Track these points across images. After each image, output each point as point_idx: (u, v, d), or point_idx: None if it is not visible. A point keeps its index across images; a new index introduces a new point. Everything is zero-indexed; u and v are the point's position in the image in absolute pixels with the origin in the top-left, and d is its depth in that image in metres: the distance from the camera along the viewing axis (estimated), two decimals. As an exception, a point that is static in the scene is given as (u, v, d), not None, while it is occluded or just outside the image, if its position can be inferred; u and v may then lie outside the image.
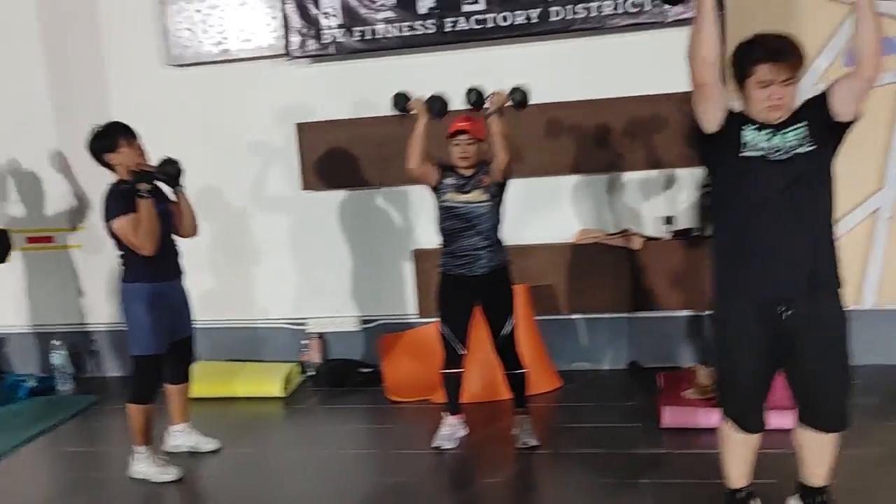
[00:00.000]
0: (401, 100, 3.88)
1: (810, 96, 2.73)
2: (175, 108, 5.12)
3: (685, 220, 4.71)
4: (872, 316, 4.54)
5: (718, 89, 2.63)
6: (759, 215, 2.64)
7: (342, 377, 5.02)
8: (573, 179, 4.78)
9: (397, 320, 5.12)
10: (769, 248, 2.63)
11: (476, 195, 3.79)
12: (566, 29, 4.52)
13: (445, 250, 3.89)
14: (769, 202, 2.63)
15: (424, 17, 4.64)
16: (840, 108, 2.62)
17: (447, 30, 4.62)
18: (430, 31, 4.65)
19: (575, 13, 4.49)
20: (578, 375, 4.88)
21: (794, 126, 2.64)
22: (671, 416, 3.95)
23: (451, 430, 4.00)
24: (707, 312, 4.62)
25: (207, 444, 4.06)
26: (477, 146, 3.76)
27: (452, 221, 3.82)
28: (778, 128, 2.64)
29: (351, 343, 5.23)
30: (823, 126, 2.63)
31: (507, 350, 3.89)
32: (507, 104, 3.75)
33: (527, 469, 3.78)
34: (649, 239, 4.69)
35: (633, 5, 4.44)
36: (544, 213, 4.84)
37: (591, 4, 4.47)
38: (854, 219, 4.40)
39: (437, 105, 3.82)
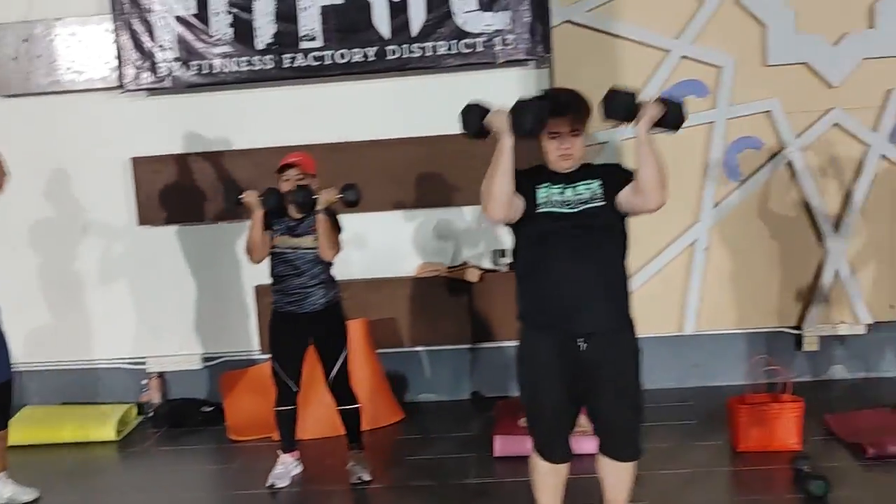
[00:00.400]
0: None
1: (616, 164, 2.93)
2: (3, 139, 4.90)
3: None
4: (693, 341, 4.83)
5: (506, 213, 2.73)
6: (553, 260, 2.77)
7: (182, 417, 4.88)
8: (413, 214, 4.87)
9: (241, 357, 5.04)
10: (563, 290, 2.76)
11: (308, 241, 3.79)
12: (402, 67, 4.63)
13: (274, 288, 3.88)
14: (561, 249, 2.76)
15: (262, 52, 4.64)
16: (622, 204, 2.78)
17: (285, 66, 4.64)
18: (268, 67, 4.65)
19: (411, 52, 4.61)
20: (423, 407, 4.94)
21: (588, 181, 2.79)
22: (502, 446, 4.06)
23: (284, 468, 3.96)
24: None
25: (25, 495, 3.84)
26: (308, 181, 3.77)
27: (281, 267, 3.83)
28: (571, 181, 2.79)
29: (193, 382, 5.10)
30: (616, 190, 2.78)
31: (339, 386, 3.90)
32: (336, 201, 3.76)
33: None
34: (486, 271, 4.82)
35: (466, 46, 4.60)
36: (386, 247, 4.91)
37: (427, 44, 4.60)
38: (674, 251, 4.68)
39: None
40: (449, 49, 4.60)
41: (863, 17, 4.49)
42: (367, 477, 3.88)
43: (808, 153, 4.59)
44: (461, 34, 4.58)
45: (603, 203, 2.77)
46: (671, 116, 2.77)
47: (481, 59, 4.60)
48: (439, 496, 3.71)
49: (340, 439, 4.33)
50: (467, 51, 4.60)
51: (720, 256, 4.70)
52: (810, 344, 4.82)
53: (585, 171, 2.81)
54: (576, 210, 2.76)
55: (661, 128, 2.77)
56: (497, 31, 4.58)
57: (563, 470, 2.99)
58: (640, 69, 4.58)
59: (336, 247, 3.76)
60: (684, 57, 4.56)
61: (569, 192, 2.78)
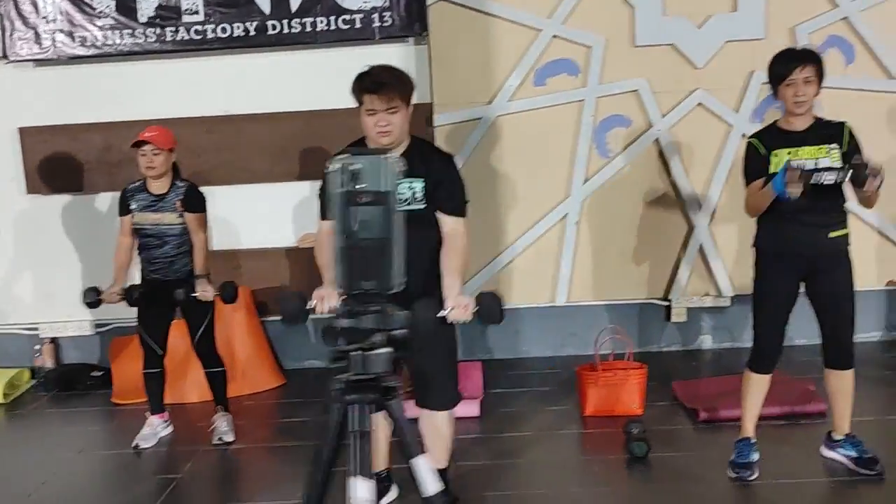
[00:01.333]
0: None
1: (446, 168, 2.98)
2: None
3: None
4: (569, 311, 5.02)
5: None
6: None
7: (72, 381, 5.03)
8: (295, 185, 5.00)
9: (131, 323, 5.16)
10: None
11: (170, 217, 3.93)
12: (282, 42, 4.74)
13: (141, 257, 4.02)
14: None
15: (145, 25, 4.73)
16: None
17: (168, 39, 4.74)
18: (151, 40, 4.74)
19: (291, 27, 4.71)
20: (307, 373, 5.12)
21: (411, 179, 2.87)
22: (366, 409, 4.24)
23: (151, 430, 4.12)
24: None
25: None
26: (165, 156, 3.89)
27: (145, 239, 3.97)
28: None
29: (87, 347, 5.24)
30: (437, 205, 2.91)
31: (203, 349, 4.06)
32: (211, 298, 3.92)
33: (214, 463, 3.96)
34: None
35: (345, 22, 4.71)
36: (271, 217, 5.04)
37: (306, 20, 4.71)
38: (546, 224, 4.85)
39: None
40: (328, 25, 4.71)
41: (726, 1, 4.65)
42: (229, 437, 4.06)
43: (674, 132, 4.77)
44: (339, 10, 4.69)
45: (424, 206, 2.88)
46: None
47: (359, 35, 4.72)
48: (294, 455, 3.89)
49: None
50: (345, 27, 4.71)
51: (591, 230, 4.88)
52: (678, 315, 5.04)
53: (413, 168, 2.83)
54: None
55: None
56: (374, 7, 4.70)
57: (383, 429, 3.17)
58: (514, 48, 4.71)
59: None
60: (556, 36, 4.69)
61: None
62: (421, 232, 2.87)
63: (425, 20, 4.68)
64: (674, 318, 5.03)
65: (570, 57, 4.73)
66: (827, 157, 3.25)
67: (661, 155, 4.79)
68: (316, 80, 4.78)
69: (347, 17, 4.70)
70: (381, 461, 3.24)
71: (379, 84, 2.87)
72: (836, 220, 3.30)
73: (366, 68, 2.96)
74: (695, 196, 4.81)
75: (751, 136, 3.38)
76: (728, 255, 4.86)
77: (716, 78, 4.68)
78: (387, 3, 4.68)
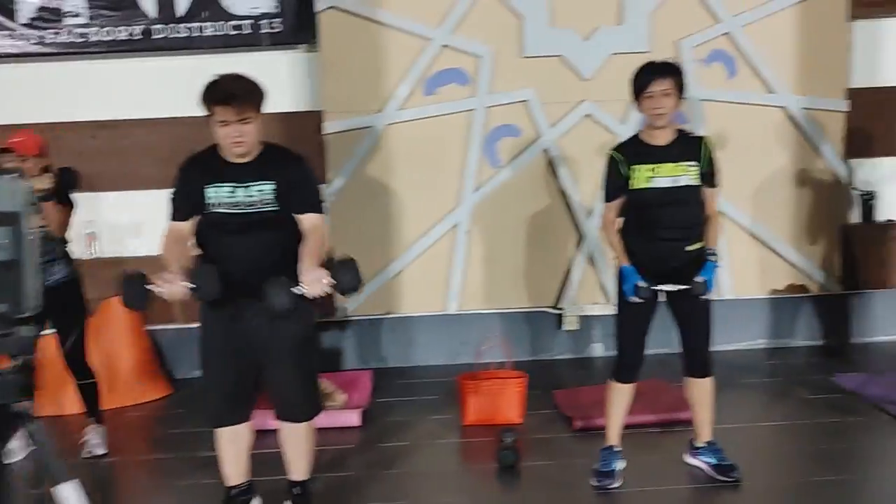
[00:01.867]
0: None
1: (298, 169, 2.96)
2: None
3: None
4: (458, 320, 5.03)
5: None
6: (226, 253, 2.90)
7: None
8: (183, 193, 4.92)
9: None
10: (238, 283, 2.85)
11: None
12: (168, 47, 4.66)
13: None
14: (233, 247, 2.89)
15: (25, 27, 4.61)
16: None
17: (48, 41, 4.62)
18: (32, 42, 4.63)
19: (177, 32, 4.64)
20: (195, 383, 5.04)
21: (260, 182, 2.88)
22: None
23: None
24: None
25: None
26: (32, 162, 3.78)
27: None
28: (242, 182, 2.89)
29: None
30: (292, 208, 2.91)
31: (73, 361, 3.95)
32: None
33: (82, 477, 3.79)
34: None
35: (233, 28, 4.66)
36: (158, 224, 4.93)
37: (193, 25, 4.65)
38: (437, 233, 4.86)
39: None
40: (215, 30, 4.65)
41: (612, 14, 4.73)
42: (100, 451, 3.96)
43: (563, 142, 4.83)
44: (227, 16, 4.64)
45: (276, 208, 2.87)
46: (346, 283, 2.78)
47: (247, 41, 4.67)
48: (167, 468, 3.82)
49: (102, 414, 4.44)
50: (234, 33, 4.66)
51: (482, 239, 4.90)
52: (570, 323, 5.09)
53: (259, 174, 2.88)
54: (247, 212, 2.87)
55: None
56: (263, 14, 4.66)
57: (242, 440, 3.12)
58: (404, 56, 4.72)
59: (66, 227, 3.81)
60: (445, 46, 4.72)
61: (240, 195, 2.88)
62: (272, 233, 2.91)
63: (315, 28, 4.65)
64: (565, 327, 5.08)
65: (460, 66, 4.75)
66: (685, 174, 3.31)
67: (551, 165, 4.85)
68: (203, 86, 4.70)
69: (235, 22, 4.65)
70: (240, 473, 3.20)
71: (230, 95, 2.85)
72: (693, 235, 3.36)
73: (215, 77, 2.94)
74: (583, 205, 4.88)
75: (613, 149, 3.43)
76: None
77: (603, 89, 4.75)
78: (276, 10, 4.64)
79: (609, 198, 3.39)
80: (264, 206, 2.88)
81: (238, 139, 2.85)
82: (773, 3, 4.72)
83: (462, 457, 3.92)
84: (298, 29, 4.67)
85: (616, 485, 3.42)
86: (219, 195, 2.89)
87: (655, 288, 3.31)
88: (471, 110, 4.77)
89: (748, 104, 4.82)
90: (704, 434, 3.54)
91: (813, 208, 4.93)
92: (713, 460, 3.49)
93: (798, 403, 4.32)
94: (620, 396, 3.49)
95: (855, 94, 4.85)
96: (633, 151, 3.36)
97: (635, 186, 3.32)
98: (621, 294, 3.45)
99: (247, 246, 2.90)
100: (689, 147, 3.34)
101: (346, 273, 2.75)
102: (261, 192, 2.89)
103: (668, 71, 3.33)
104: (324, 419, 4.18)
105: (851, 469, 3.61)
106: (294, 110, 4.79)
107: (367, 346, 5.07)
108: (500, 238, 4.90)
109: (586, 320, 5.11)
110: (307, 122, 4.75)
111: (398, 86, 4.72)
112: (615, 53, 4.71)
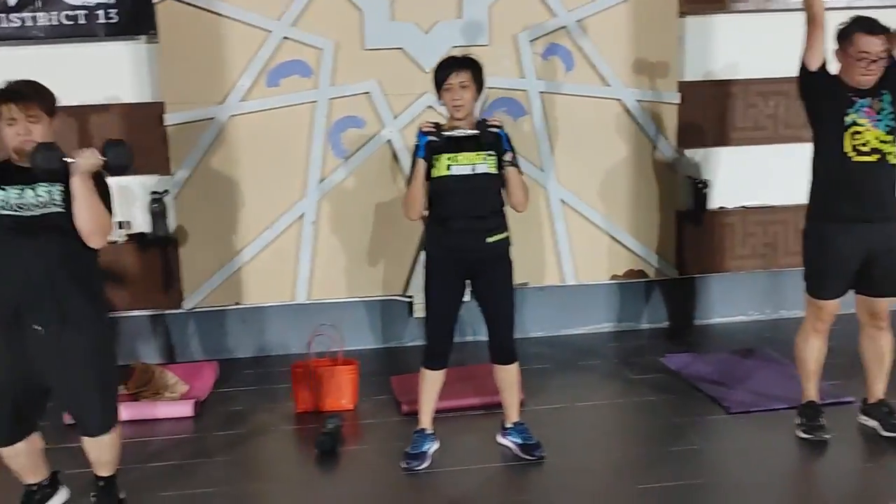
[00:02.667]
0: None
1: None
2: None
3: (142, 225, 4.96)
4: (309, 308, 5.08)
5: None
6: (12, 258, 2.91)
7: None
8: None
9: None
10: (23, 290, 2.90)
11: None
12: (2, 37, 4.57)
13: None
14: (19, 251, 2.89)
15: None
16: None
17: None
18: None
19: (9, 21, 4.56)
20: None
21: (48, 184, 2.89)
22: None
23: None
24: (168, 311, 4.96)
25: None
26: None
27: None
28: (28, 183, 2.90)
29: None
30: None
31: None
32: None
33: None
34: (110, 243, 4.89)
35: (68, 18, 4.60)
36: None
37: (26, 14, 4.57)
38: (282, 224, 4.89)
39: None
40: (49, 20, 4.58)
41: (452, 8, 4.82)
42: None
43: (407, 133, 4.91)
44: (62, 5, 4.56)
45: (62, 210, 2.89)
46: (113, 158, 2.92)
47: (83, 32, 4.60)
48: None
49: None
50: (68, 23, 4.60)
51: (330, 229, 4.95)
52: (419, 311, 5.20)
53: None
54: (35, 214, 2.88)
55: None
56: (99, 3, 4.60)
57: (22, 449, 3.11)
58: (245, 48, 4.72)
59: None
60: (286, 38, 4.74)
61: (28, 196, 2.89)
62: (57, 235, 2.91)
63: (153, 18, 4.62)
64: (416, 314, 5.19)
65: (302, 58, 4.79)
66: (484, 162, 3.44)
67: (395, 155, 4.93)
68: (38, 77, 4.62)
69: (70, 12, 4.58)
70: (37, 473, 3.21)
71: (16, 93, 2.94)
72: (493, 226, 3.49)
73: (2, 84, 2.97)
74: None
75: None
76: (463, 253, 5.07)
77: (444, 82, 4.85)
78: (112, 0, 4.59)
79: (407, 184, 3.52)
80: (52, 207, 2.89)
81: (26, 138, 2.88)
82: (607, -2, 4.90)
83: (287, 444, 3.99)
84: (135, 20, 4.63)
85: (423, 466, 3.54)
86: (7, 196, 2.89)
87: (447, 133, 3.41)
88: (314, 102, 4.81)
89: (586, 97, 4.98)
90: (512, 415, 3.70)
91: (650, 197, 5.13)
92: (519, 440, 3.65)
93: (623, 384, 4.52)
94: (430, 383, 3.62)
95: (687, 87, 5.06)
96: (435, 143, 3.48)
97: (436, 174, 3.44)
98: (427, 284, 3.56)
99: (34, 250, 2.90)
100: (488, 138, 3.47)
101: (115, 150, 2.93)
102: (49, 193, 2.90)
103: (466, 64, 3.47)
104: (157, 410, 4.25)
105: (652, 443, 3.83)
106: (135, 101, 4.75)
107: (215, 338, 5.07)
108: (347, 227, 4.96)
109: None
110: (148, 114, 4.72)
111: (240, 77, 4.72)
112: (455, 46, 4.80)
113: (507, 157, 3.44)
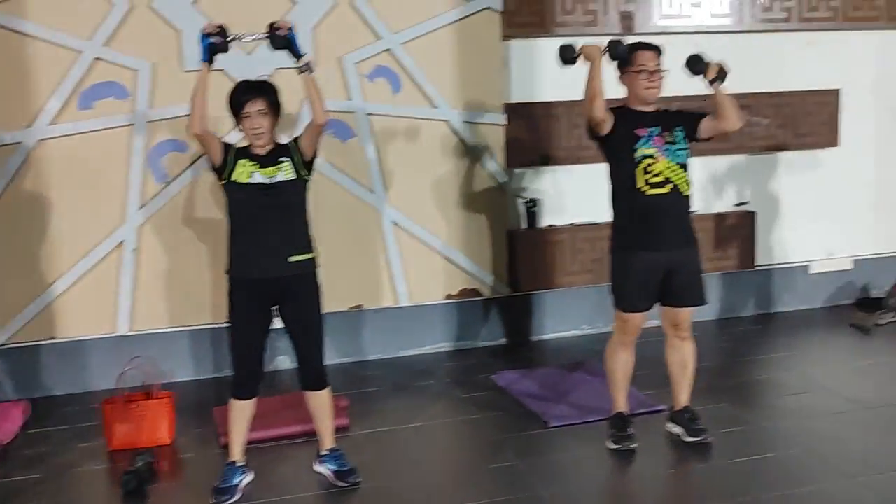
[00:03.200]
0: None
1: None
2: None
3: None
4: (135, 340, 4.86)
5: None
6: None
7: None
8: None
9: None
10: None
11: None
12: None
13: None
14: None
15: None
16: None
17: None
18: None
19: None
20: None
21: None
22: None
23: None
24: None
25: None
26: None
27: None
28: None
29: None
30: None
31: None
32: None
33: None
34: None
35: None
36: None
37: None
38: (102, 251, 4.68)
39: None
40: None
41: (275, 30, 4.78)
42: None
43: (232, 156, 4.81)
44: None
45: None
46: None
47: None
48: None
49: None
50: None
51: (153, 256, 4.77)
52: (253, 337, 5.09)
53: None
54: None
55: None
56: None
57: None
58: (53, 69, 4.50)
59: None
60: (98, 59, 4.56)
61: None
62: None
63: (-52, 37, 4.36)
64: (248, 341, 5.07)
65: (118, 80, 4.61)
66: (280, 172, 3.40)
67: (220, 179, 4.82)
68: None
69: None
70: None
71: None
72: (297, 245, 3.45)
73: None
74: (257, 220, 4.88)
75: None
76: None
77: (269, 103, 4.79)
78: None
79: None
80: None
81: None
82: (430, 22, 4.94)
83: (93, 486, 3.77)
84: (-68, 39, 4.36)
85: (233, 500, 3.43)
86: None
87: (232, 37, 3.46)
88: (130, 125, 4.64)
89: (414, 118, 5.03)
90: (327, 442, 3.63)
91: (481, 216, 5.21)
92: (334, 466, 3.59)
93: (452, 403, 4.54)
94: (240, 412, 3.52)
95: (513, 109, 5.18)
96: (242, 153, 3.45)
97: (234, 179, 3.37)
98: (230, 310, 3.47)
99: None
100: (283, 152, 3.46)
101: None
102: None
103: (262, 90, 3.42)
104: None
105: (471, 462, 3.86)
106: (-64, 125, 4.46)
107: (28, 375, 4.77)
108: (172, 255, 4.78)
109: (270, 334, 5.11)
110: None
111: (48, 100, 4.51)
112: (279, 68, 4.75)
113: (305, 59, 3.43)
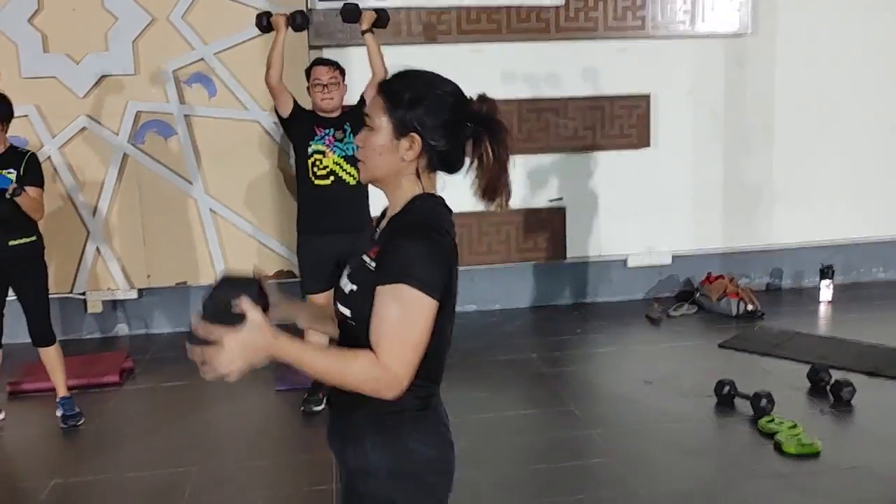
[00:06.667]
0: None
1: None
2: None
3: None
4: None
5: None
6: None
7: None
8: None
9: None
10: None
11: None
12: None
13: None
14: None
15: None
16: None
17: None
18: None
19: None
20: None
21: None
22: None
23: None
24: None
25: None
26: None
27: None
28: None
29: None
30: None
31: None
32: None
33: None
34: None
35: None
36: None
37: None
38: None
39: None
40: None
41: (100, 41, 5.52)
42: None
43: (66, 151, 5.60)
44: None
45: None
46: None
47: None
48: None
49: None
50: None
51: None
52: (94, 307, 5.89)
53: None
54: None
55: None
56: None
57: None
58: None
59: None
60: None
61: None
62: None
63: None
64: (90, 310, 5.88)
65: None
66: (8, 177, 4.15)
67: (56, 171, 5.61)
68: None
69: None
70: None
71: None
72: (16, 229, 4.18)
73: None
74: (88, 205, 5.67)
75: None
76: (124, 255, 5.76)
77: (97, 106, 5.56)
78: None
79: None
80: None
81: None
82: (239, 35, 5.60)
83: None
84: None
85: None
86: None
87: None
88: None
89: (229, 119, 5.71)
90: (60, 391, 4.39)
91: (291, 206, 5.80)
92: (61, 411, 4.34)
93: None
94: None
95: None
96: None
97: None
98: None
99: None
100: (14, 157, 4.19)
101: None
102: None
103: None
104: None
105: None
106: None
107: None
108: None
109: (108, 304, 5.92)
110: None
111: None
112: (105, 75, 5.52)
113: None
